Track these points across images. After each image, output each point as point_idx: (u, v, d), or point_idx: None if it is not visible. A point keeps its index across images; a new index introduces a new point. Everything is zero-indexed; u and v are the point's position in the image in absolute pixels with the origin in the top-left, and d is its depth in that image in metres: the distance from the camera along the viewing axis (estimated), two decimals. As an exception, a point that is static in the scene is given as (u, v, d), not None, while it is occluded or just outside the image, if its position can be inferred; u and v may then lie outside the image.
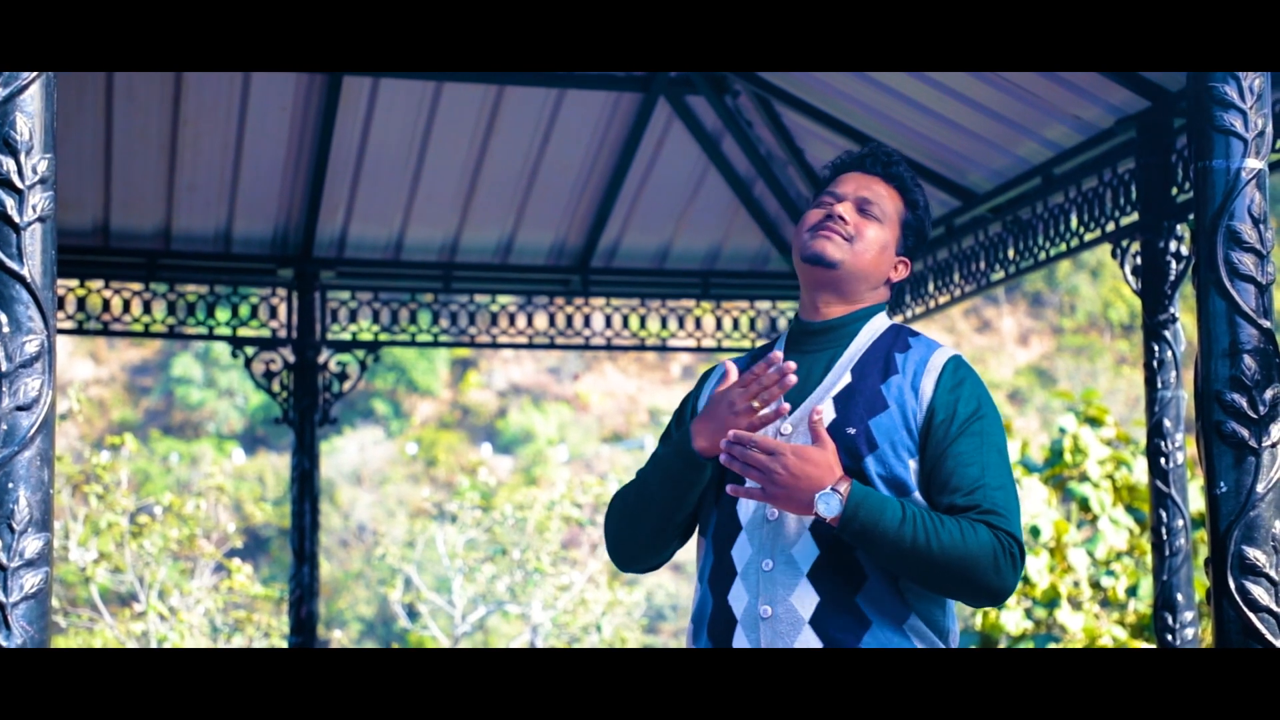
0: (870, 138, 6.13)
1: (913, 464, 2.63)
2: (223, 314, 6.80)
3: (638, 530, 2.78)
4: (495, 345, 7.17)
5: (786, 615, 2.58)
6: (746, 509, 2.66)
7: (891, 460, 2.61)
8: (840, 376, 2.71)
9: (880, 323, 2.79)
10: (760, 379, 2.60)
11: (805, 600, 2.58)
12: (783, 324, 7.27)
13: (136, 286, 6.68)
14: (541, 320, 7.14)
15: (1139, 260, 5.07)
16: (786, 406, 2.64)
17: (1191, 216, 4.62)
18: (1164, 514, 4.90)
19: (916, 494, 2.63)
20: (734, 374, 2.69)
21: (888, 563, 2.53)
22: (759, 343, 7.25)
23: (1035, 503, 8.93)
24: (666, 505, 2.73)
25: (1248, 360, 2.47)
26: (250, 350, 6.75)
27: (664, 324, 7.26)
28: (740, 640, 2.62)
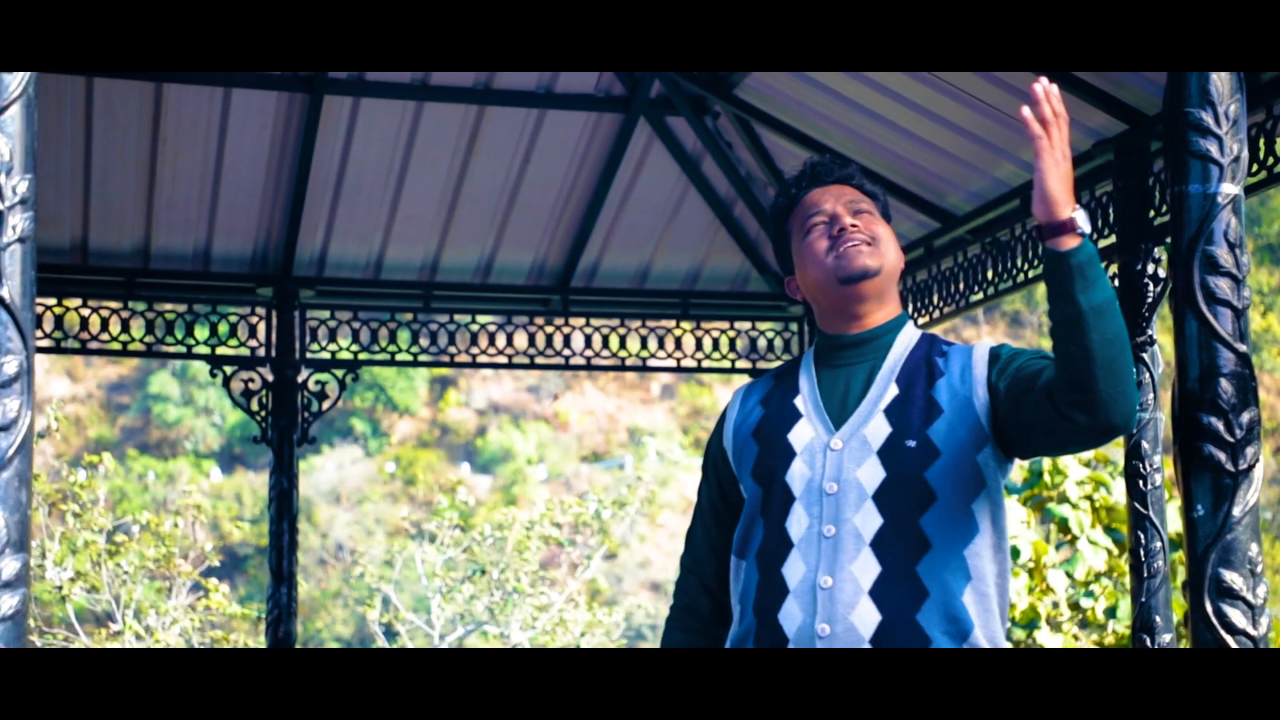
0: (850, 159, 6.14)
1: (980, 456, 2.59)
2: (201, 332, 6.78)
3: None
4: (475, 365, 7.15)
5: (846, 634, 2.53)
6: (799, 527, 2.61)
7: (955, 465, 2.58)
8: (886, 388, 2.67)
9: (912, 331, 2.78)
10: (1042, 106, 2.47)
11: (866, 618, 2.53)
12: (762, 344, 7.27)
13: (115, 305, 6.66)
14: (521, 340, 7.13)
15: (1117, 282, 5.09)
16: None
17: (1169, 240, 4.64)
18: (1142, 536, 4.91)
19: (985, 493, 2.60)
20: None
21: (1096, 313, 2.42)
22: (739, 363, 7.26)
23: (1014, 524, 8.95)
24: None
25: (1224, 384, 2.48)
26: (229, 369, 6.73)
27: (644, 344, 7.26)
28: None
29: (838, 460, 2.62)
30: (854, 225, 2.72)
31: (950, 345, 2.73)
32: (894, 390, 2.66)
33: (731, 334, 7.29)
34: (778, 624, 2.58)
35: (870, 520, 2.57)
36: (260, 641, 13.20)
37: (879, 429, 2.62)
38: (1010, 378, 2.60)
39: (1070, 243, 2.45)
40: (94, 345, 6.66)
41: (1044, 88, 2.45)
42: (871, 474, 2.59)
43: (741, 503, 2.77)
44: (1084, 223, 2.46)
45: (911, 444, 2.59)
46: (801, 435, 2.68)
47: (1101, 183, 5.22)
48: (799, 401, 2.72)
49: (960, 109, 5.47)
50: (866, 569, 2.54)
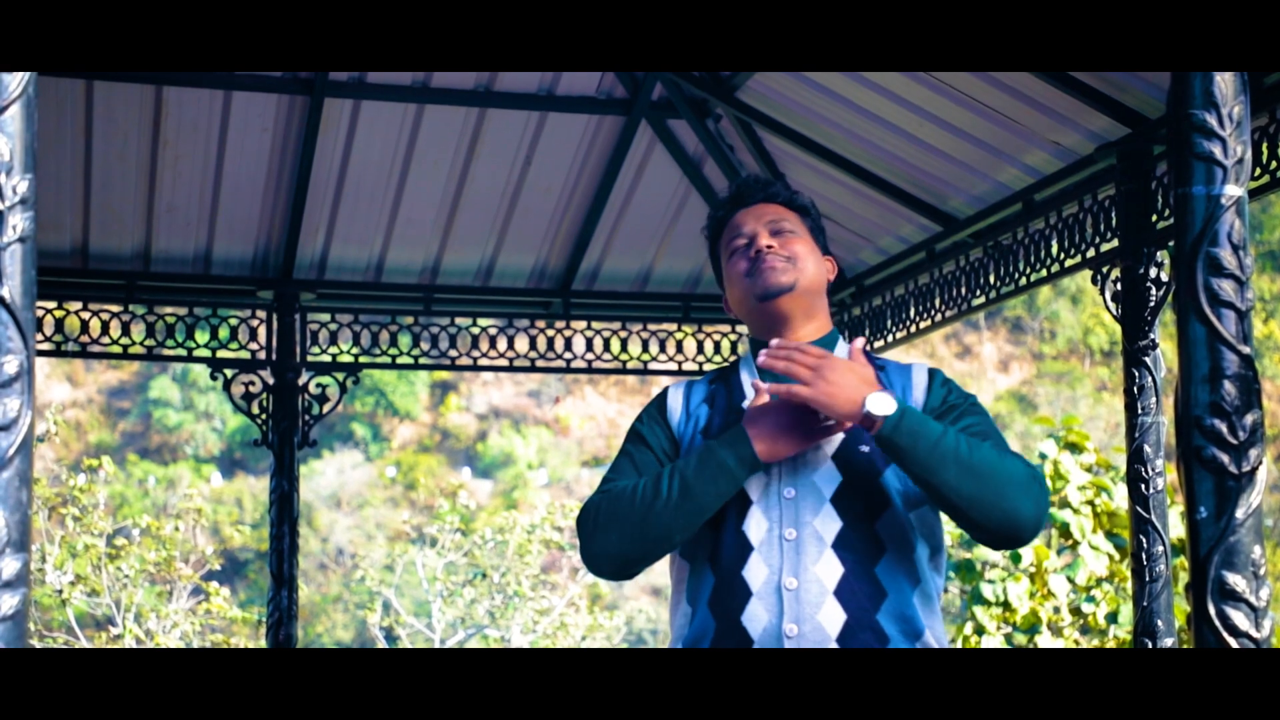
0: (851, 163, 6.15)
1: None
2: (202, 336, 6.77)
3: (649, 537, 2.67)
4: (476, 368, 7.14)
5: (813, 633, 2.59)
6: (758, 531, 2.66)
7: (901, 474, 2.67)
8: None
9: (845, 347, 2.87)
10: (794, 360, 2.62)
11: (832, 617, 2.59)
12: (763, 348, 7.27)
13: (115, 308, 6.65)
14: (522, 343, 7.13)
15: (1119, 286, 5.09)
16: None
17: (1172, 243, 4.63)
18: (1144, 540, 4.91)
19: (927, 506, 2.70)
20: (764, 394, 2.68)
21: (930, 471, 2.54)
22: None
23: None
24: (697, 515, 2.65)
25: (1228, 386, 2.48)
26: (229, 372, 6.72)
27: (645, 347, 7.26)
28: None
29: (793, 466, 2.69)
30: (770, 246, 2.82)
31: (884, 361, 2.85)
32: None
33: (733, 337, 7.28)
34: (740, 626, 2.63)
35: (830, 523, 2.65)
36: (260, 645, 13.19)
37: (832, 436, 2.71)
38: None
39: (879, 425, 2.57)
40: (94, 349, 6.65)
41: (766, 354, 2.64)
42: (828, 479, 2.68)
43: None
44: (877, 408, 2.56)
45: (865, 449, 2.69)
46: None
47: (1104, 186, 5.22)
48: (747, 406, 2.79)
49: (962, 112, 5.47)
50: (830, 570, 2.62)
